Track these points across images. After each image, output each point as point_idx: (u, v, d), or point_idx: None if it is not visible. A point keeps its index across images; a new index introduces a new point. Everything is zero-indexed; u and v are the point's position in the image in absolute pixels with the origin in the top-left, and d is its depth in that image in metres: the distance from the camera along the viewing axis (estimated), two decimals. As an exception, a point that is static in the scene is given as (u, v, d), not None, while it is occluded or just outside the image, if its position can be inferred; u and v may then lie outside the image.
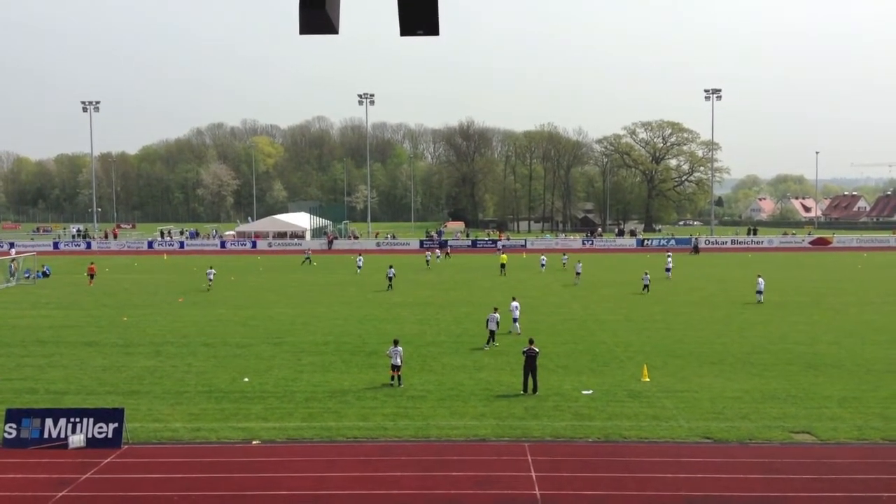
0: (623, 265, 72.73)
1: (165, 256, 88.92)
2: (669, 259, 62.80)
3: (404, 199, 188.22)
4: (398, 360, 25.01)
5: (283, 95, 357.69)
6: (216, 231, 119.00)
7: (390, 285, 53.13)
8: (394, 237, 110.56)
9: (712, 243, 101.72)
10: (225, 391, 24.83)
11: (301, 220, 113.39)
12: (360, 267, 65.96)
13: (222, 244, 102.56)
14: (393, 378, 25.16)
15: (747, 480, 16.99)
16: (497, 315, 32.28)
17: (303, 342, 33.27)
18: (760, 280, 46.57)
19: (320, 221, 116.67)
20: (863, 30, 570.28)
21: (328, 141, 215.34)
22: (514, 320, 35.01)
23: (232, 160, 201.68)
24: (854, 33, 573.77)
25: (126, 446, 19.32)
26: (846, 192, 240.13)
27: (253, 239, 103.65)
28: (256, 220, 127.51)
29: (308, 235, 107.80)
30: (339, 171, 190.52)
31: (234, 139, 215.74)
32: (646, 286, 50.43)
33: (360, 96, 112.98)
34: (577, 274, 57.55)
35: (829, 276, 61.55)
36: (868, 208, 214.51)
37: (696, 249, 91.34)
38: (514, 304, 35.73)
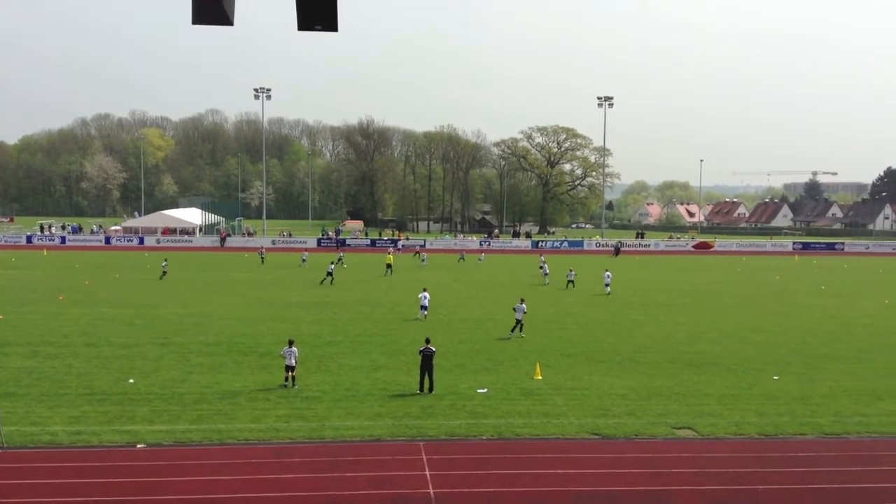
0: (519, 266, 74.10)
1: (45, 252, 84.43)
2: (542, 258, 66.74)
3: (302, 196, 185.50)
4: (293, 361, 24.60)
5: (175, 87, 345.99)
6: (100, 226, 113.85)
7: (331, 279, 55.28)
8: (290, 235, 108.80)
9: (602, 245, 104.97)
10: (108, 393, 23.79)
11: (192, 215, 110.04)
12: (304, 260, 71.55)
13: (107, 240, 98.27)
14: (287, 379, 24.73)
15: (633, 475, 17.61)
16: (524, 305, 34.69)
17: (192, 342, 32.25)
18: (607, 274, 52.31)
19: (213, 218, 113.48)
20: (741, 52, 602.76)
21: (222, 135, 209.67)
22: (423, 308, 39.00)
23: (119, 152, 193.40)
24: (734, 54, 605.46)
25: (1, 451, 18.25)
26: (727, 199, 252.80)
27: (140, 235, 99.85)
28: (144, 215, 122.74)
29: (199, 232, 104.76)
30: (234, 166, 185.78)
31: (121, 131, 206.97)
32: (570, 281, 54.37)
33: (256, 90, 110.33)
34: (545, 274, 58.51)
35: (710, 279, 64.56)
36: (747, 214, 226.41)
37: (617, 251, 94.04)
38: (424, 293, 39.77)
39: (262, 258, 74.96)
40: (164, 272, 57.69)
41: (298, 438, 19.72)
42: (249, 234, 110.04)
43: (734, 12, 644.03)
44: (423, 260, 75.19)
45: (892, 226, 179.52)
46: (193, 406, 22.50)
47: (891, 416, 22.56)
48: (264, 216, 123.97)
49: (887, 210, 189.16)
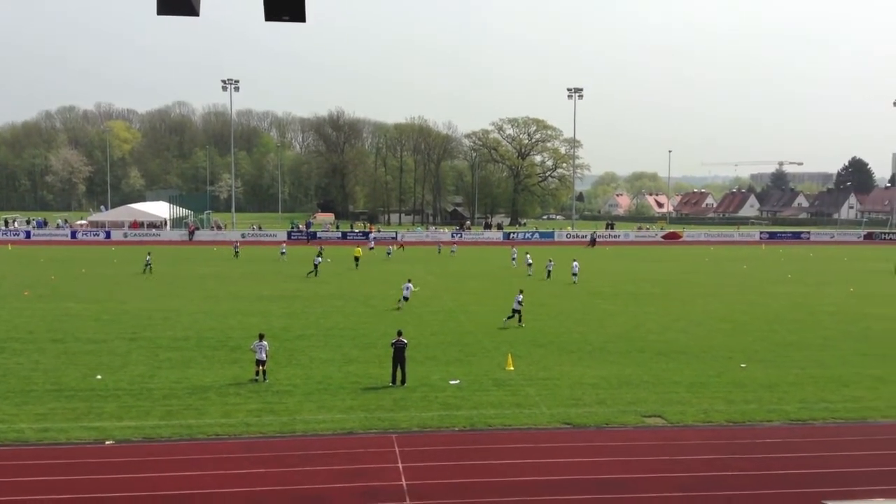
0: (492, 257, 74.28)
1: (10, 247, 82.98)
2: (514, 250, 68.78)
3: (271, 189, 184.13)
4: (263, 355, 24.44)
5: (142, 78, 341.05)
6: (65, 221, 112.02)
7: (316, 271, 55.63)
8: (260, 228, 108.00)
9: (573, 236, 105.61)
10: (75, 389, 23.48)
11: (159, 209, 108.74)
12: (283, 254, 70.35)
13: (73, 234, 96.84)
14: (258, 373, 24.58)
15: (603, 463, 17.77)
16: (521, 296, 35.82)
17: (161, 337, 31.92)
18: (575, 264, 53.69)
19: (181, 211, 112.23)
20: (711, 47, 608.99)
21: (190, 127, 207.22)
22: (405, 298, 40.39)
23: (84, 145, 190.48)
24: (704, 49, 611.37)
25: (-38, 451, 17.90)
26: (696, 190, 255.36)
27: (107, 229, 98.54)
28: (111, 209, 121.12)
29: (167, 225, 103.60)
30: (202, 158, 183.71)
31: (86, 123, 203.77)
32: (550, 272, 55.09)
33: (223, 82, 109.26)
34: (529, 264, 59.20)
35: (679, 269, 65.24)
36: (715, 205, 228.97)
37: (593, 242, 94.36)
38: (408, 284, 41.26)
39: (237, 252, 73.45)
40: (148, 265, 56.80)
41: (269, 433, 19.63)
42: (218, 228, 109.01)
43: (708, 8, 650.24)
44: (388, 252, 74.56)
45: (856, 215, 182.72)
46: (162, 401, 22.29)
47: (855, 403, 23.00)
48: (233, 209, 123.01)
49: (852, 199, 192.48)
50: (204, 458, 17.79)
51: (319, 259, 58.10)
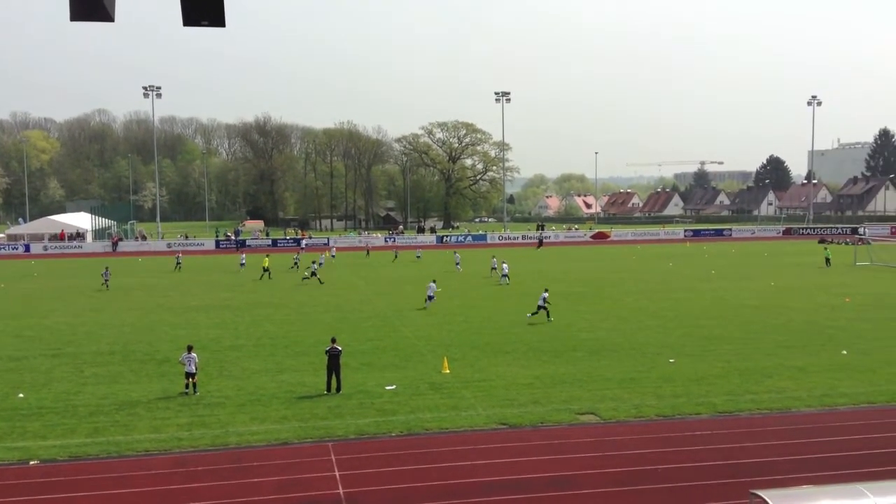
0: (427, 261, 74.27)
1: (-81, 263, 79.07)
2: (457, 255, 68.41)
3: (198, 197, 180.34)
4: (192, 367, 23.87)
5: (59, 86, 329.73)
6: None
7: (317, 278, 54.77)
8: (186, 237, 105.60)
9: (506, 239, 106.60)
10: (-5, 410, 22.51)
11: (81, 220, 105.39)
12: (242, 265, 66.50)
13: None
14: (187, 386, 24.01)
15: (539, 462, 17.94)
16: (546, 294, 37.91)
17: (85, 352, 30.89)
18: (504, 265, 54.94)
19: (104, 222, 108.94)
20: (630, 51, 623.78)
21: (111, 135, 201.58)
22: (430, 298, 42.03)
23: (0, 156, 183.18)
24: (623, 54, 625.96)
25: None
26: (622, 190, 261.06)
27: (26, 242, 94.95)
28: (30, 221, 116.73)
29: (89, 237, 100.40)
30: (124, 167, 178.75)
31: (2, 133, 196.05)
32: (504, 275, 54.44)
33: (145, 88, 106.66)
34: (494, 269, 59.54)
35: (608, 267, 66.47)
36: (641, 204, 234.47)
37: (540, 243, 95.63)
38: (432, 284, 43.36)
39: (179, 264, 68.65)
40: (106, 281, 53.13)
41: (201, 446, 19.18)
42: (143, 238, 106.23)
43: (625, 10, 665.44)
44: (320, 263, 71.69)
45: (775, 211, 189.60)
46: (89, 418, 21.56)
47: (779, 393, 23.79)
48: (158, 218, 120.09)
49: (771, 196, 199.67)
50: (134, 475, 17.28)
51: (315, 265, 57.38)
